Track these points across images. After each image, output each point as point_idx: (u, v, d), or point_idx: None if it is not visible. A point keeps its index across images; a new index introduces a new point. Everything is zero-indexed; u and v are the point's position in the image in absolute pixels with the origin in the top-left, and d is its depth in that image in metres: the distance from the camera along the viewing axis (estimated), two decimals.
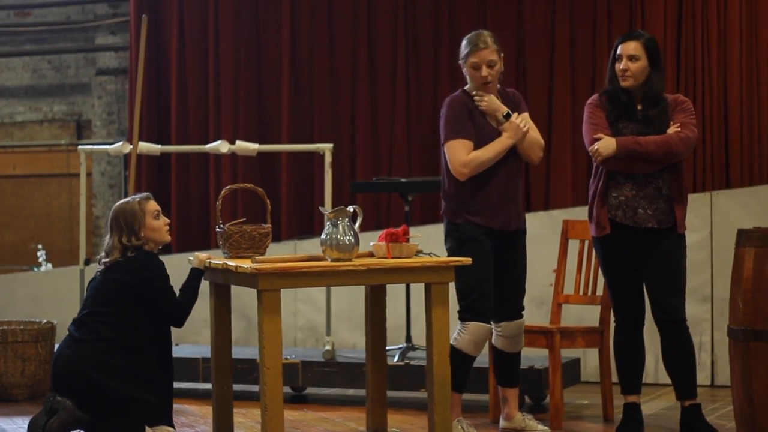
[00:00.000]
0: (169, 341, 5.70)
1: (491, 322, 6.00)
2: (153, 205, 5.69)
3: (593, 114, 5.95)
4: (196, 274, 5.74)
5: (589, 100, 6.04)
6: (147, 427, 5.50)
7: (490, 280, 5.92)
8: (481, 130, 5.95)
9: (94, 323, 5.53)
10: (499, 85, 6.06)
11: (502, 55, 6.00)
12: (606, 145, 5.81)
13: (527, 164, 8.82)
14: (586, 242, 6.60)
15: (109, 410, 5.46)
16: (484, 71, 5.92)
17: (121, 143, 7.98)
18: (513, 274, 6.02)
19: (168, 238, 5.74)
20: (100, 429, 5.49)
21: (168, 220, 5.75)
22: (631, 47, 5.89)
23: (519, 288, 6.06)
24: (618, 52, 5.92)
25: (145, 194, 5.77)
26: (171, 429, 5.60)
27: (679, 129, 5.83)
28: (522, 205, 6.09)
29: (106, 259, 5.64)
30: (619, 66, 5.90)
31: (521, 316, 6.08)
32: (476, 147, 5.93)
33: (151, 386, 5.54)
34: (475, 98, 5.94)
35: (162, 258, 5.75)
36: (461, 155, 5.90)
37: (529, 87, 8.96)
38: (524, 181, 8.89)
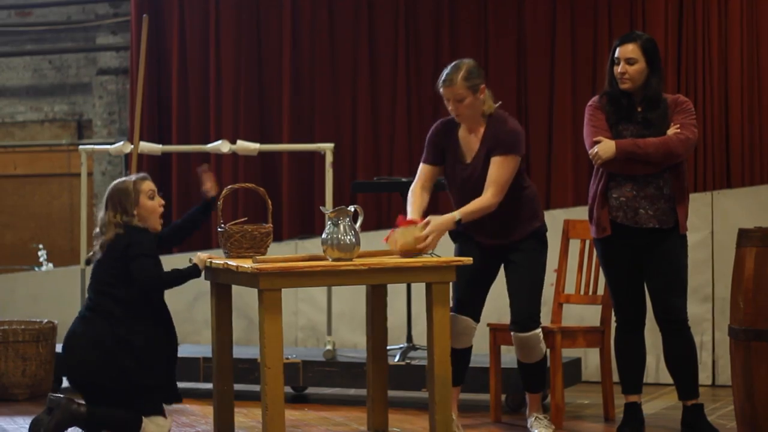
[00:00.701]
0: (168, 319, 5.76)
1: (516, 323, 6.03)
2: (148, 185, 5.76)
3: (593, 116, 5.95)
4: (193, 270, 5.74)
5: (590, 102, 6.03)
6: (143, 418, 5.53)
7: (472, 276, 5.91)
8: (452, 162, 6.04)
9: (99, 304, 5.60)
10: (492, 113, 5.95)
11: (482, 86, 5.88)
12: (605, 148, 5.81)
13: (527, 164, 8.91)
14: (587, 242, 6.60)
15: (115, 389, 5.54)
16: (451, 106, 5.92)
17: (122, 143, 7.98)
18: (512, 285, 6.01)
19: (158, 225, 5.79)
20: (96, 423, 5.52)
21: (163, 201, 5.81)
22: (629, 50, 5.86)
23: (519, 299, 5.97)
24: (616, 55, 5.90)
25: (141, 174, 5.84)
26: (164, 419, 5.61)
27: (678, 130, 5.81)
28: (520, 220, 5.97)
29: (102, 237, 5.71)
30: (618, 69, 5.88)
31: (527, 330, 5.96)
32: (448, 175, 6.06)
33: (153, 367, 5.60)
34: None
35: (162, 258, 5.76)
36: (416, 179, 6.14)
37: (529, 87, 8.97)
38: None
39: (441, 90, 5.92)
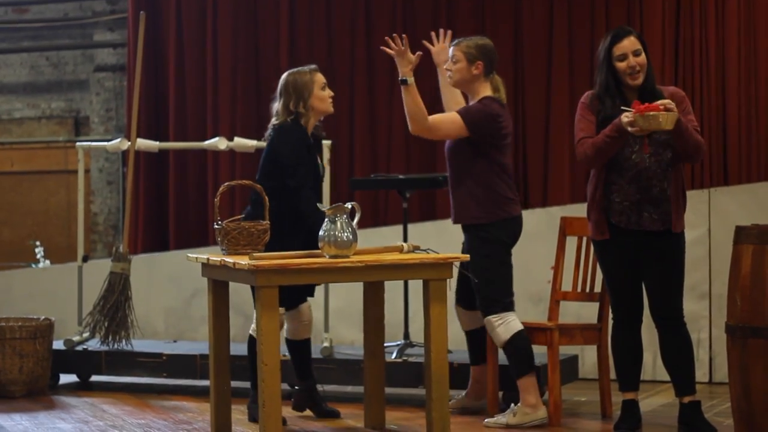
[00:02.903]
0: (303, 217, 6.09)
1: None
2: (320, 78, 6.29)
3: (584, 117, 5.88)
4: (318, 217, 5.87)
5: (582, 99, 5.97)
6: None
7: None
8: None
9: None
10: (485, 96, 6.29)
11: (479, 63, 6.25)
12: (673, 117, 5.61)
13: (526, 162, 8.92)
14: (584, 239, 6.58)
15: None
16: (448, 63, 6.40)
17: (119, 140, 7.99)
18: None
19: (331, 109, 6.37)
20: None
21: (332, 93, 6.33)
22: (632, 43, 5.81)
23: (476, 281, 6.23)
24: (618, 52, 5.81)
25: (313, 66, 6.34)
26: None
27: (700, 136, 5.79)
28: (467, 198, 6.21)
29: (275, 121, 6.27)
30: (625, 65, 5.78)
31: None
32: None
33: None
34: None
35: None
36: None
37: (527, 84, 8.97)
38: (522, 177, 8.92)
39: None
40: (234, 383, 6.23)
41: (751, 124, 8.28)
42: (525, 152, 8.97)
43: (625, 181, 5.81)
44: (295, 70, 6.34)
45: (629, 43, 5.80)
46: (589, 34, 8.75)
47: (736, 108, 8.30)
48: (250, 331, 6.38)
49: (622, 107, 5.68)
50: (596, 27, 8.71)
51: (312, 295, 6.47)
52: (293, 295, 6.24)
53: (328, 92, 6.33)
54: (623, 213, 5.83)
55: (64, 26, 11.26)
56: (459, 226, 6.31)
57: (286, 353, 7.30)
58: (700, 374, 7.54)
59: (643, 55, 5.80)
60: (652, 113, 5.50)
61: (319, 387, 6.57)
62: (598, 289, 6.56)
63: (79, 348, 7.79)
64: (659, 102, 5.56)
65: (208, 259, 5.75)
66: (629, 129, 5.59)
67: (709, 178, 8.30)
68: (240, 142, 7.89)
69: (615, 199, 5.84)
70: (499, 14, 9.03)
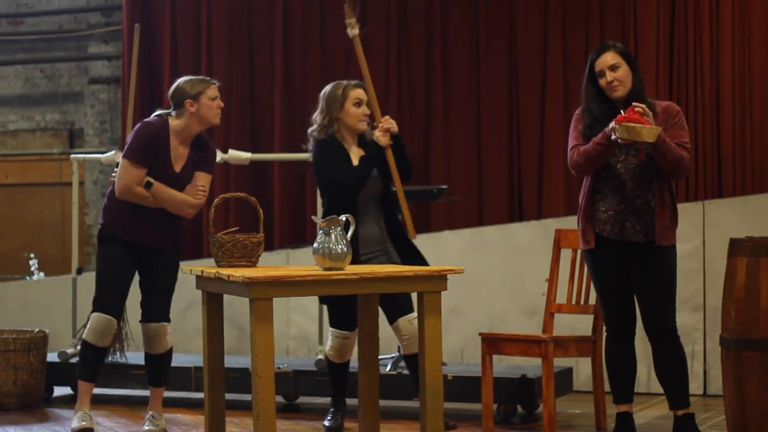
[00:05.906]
0: None
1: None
2: (357, 93, 6.61)
3: (577, 128, 5.89)
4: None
5: (577, 112, 5.98)
6: None
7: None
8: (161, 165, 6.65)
9: None
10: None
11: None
12: (655, 131, 5.62)
13: (521, 175, 8.92)
14: (578, 252, 6.59)
15: None
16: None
17: (113, 152, 7.98)
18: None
19: (361, 126, 6.51)
20: None
21: (368, 111, 6.52)
22: (609, 58, 5.81)
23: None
24: (597, 68, 5.83)
25: (355, 81, 6.71)
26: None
27: (687, 154, 5.77)
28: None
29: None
30: (605, 80, 5.81)
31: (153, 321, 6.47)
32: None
33: None
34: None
35: None
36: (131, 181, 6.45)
37: (521, 96, 8.97)
38: (517, 190, 8.94)
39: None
40: (228, 396, 6.22)
41: (745, 136, 8.30)
42: (520, 164, 8.97)
43: (609, 191, 5.82)
44: (334, 83, 6.71)
45: (608, 58, 5.82)
46: (584, 46, 8.77)
47: (730, 120, 8.31)
48: None
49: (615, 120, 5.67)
50: (590, 39, 8.72)
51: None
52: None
53: (363, 109, 6.58)
54: (607, 222, 5.83)
55: (58, 38, 11.27)
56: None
57: (281, 366, 7.30)
58: (695, 387, 7.55)
59: (623, 68, 5.80)
60: (632, 125, 5.51)
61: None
62: (592, 301, 6.56)
63: (74, 360, 7.78)
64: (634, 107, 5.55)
65: (202, 271, 5.74)
66: (613, 137, 5.60)
67: (704, 191, 8.31)
68: (234, 154, 7.89)
69: (600, 209, 5.85)
70: (493, 27, 9.04)
